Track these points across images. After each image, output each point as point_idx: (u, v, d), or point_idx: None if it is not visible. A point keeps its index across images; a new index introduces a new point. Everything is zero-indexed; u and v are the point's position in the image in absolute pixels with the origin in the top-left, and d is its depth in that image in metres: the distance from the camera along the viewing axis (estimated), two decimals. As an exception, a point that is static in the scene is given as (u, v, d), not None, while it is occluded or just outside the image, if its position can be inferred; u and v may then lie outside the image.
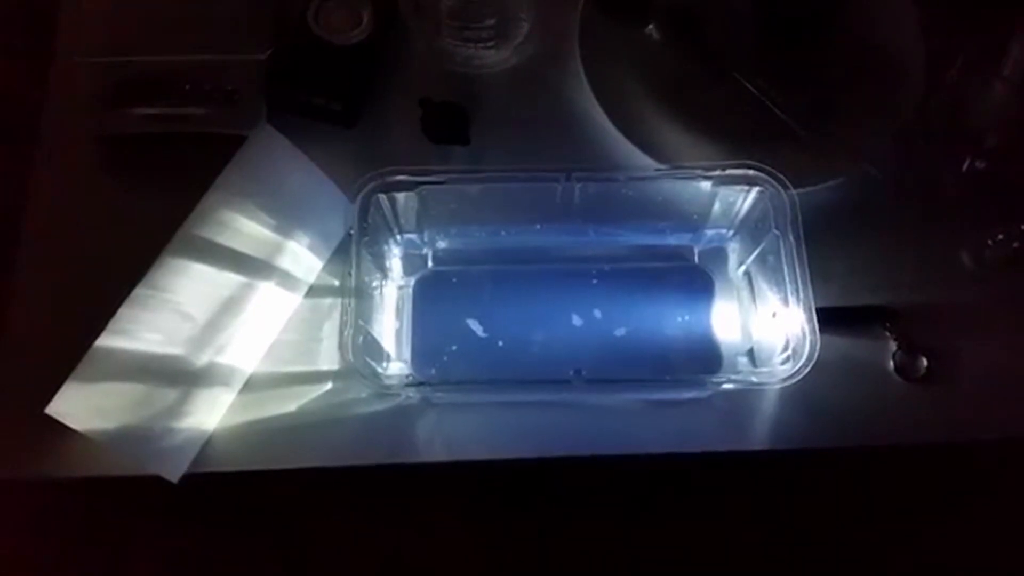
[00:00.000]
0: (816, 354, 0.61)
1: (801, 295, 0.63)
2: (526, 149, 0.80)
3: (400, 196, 0.68)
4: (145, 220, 0.70)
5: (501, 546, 1.09)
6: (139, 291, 0.66)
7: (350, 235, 0.65)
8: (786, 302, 0.64)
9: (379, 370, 0.65)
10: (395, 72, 0.83)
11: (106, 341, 0.64)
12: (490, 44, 0.81)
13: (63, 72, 0.82)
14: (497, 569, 1.09)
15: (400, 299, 0.74)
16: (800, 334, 0.62)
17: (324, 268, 0.75)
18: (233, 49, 0.79)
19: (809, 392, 0.70)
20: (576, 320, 0.73)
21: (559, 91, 0.82)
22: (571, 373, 0.67)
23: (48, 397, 0.63)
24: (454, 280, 0.75)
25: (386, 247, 0.72)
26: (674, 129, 0.79)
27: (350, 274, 0.63)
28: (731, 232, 0.74)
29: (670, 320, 0.74)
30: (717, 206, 0.71)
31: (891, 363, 0.73)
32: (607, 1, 0.83)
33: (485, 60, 0.83)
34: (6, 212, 0.77)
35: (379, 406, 0.71)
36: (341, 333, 0.62)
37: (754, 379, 0.65)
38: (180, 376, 0.67)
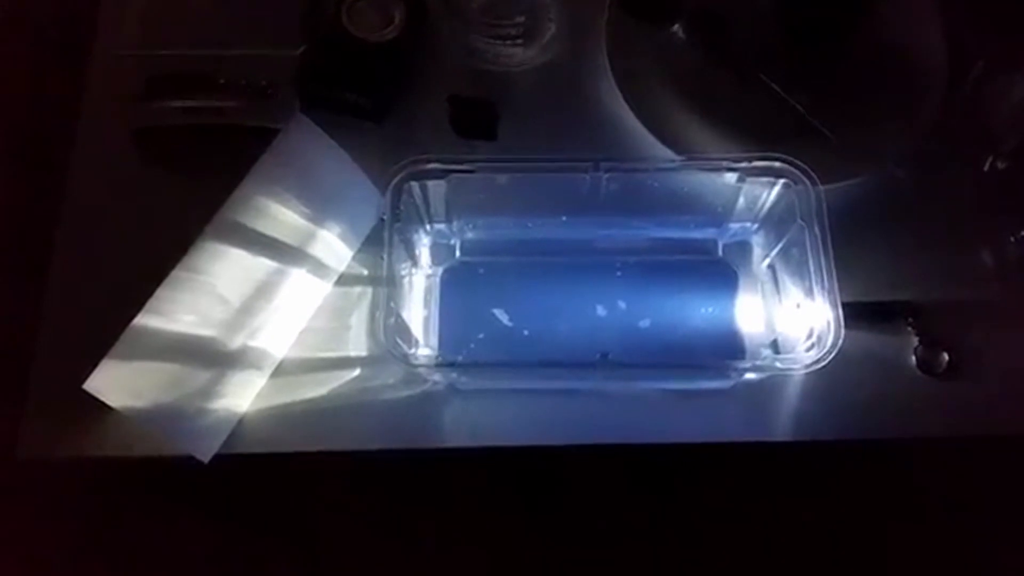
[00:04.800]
0: (840, 341, 0.62)
1: (826, 284, 0.64)
2: (552, 145, 0.82)
3: (431, 185, 0.69)
4: (180, 208, 0.71)
5: (521, 531, 1.10)
6: (177, 273, 0.67)
7: (382, 221, 0.66)
8: (810, 293, 0.65)
9: (408, 352, 0.66)
10: (425, 69, 0.84)
11: (143, 320, 0.65)
12: (518, 42, 0.83)
13: (101, 65, 0.85)
14: (516, 554, 1.10)
15: (428, 288, 0.75)
16: (825, 322, 0.63)
17: (353, 257, 0.77)
18: (267, 45, 0.81)
19: (831, 385, 0.71)
20: (601, 311, 0.74)
21: (586, 89, 0.84)
22: (597, 357, 0.68)
23: (84, 379, 0.64)
24: (481, 270, 0.76)
25: (416, 236, 0.74)
26: (699, 127, 0.80)
27: (383, 258, 0.65)
28: (755, 226, 0.75)
29: (694, 312, 0.75)
30: (742, 200, 0.72)
31: (913, 358, 0.73)
32: (633, 1, 0.84)
33: (513, 58, 0.84)
34: (47, 200, 0.79)
35: (406, 392, 0.72)
36: (372, 315, 0.63)
37: (779, 365, 0.65)
38: (214, 358, 0.69)
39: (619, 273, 0.76)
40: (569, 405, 0.72)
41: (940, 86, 0.80)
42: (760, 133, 0.78)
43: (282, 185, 0.72)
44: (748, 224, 0.75)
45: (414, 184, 0.68)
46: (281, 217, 0.72)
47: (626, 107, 0.81)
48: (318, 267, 0.74)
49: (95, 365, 0.64)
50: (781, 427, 0.72)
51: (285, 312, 0.72)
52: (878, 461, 1.05)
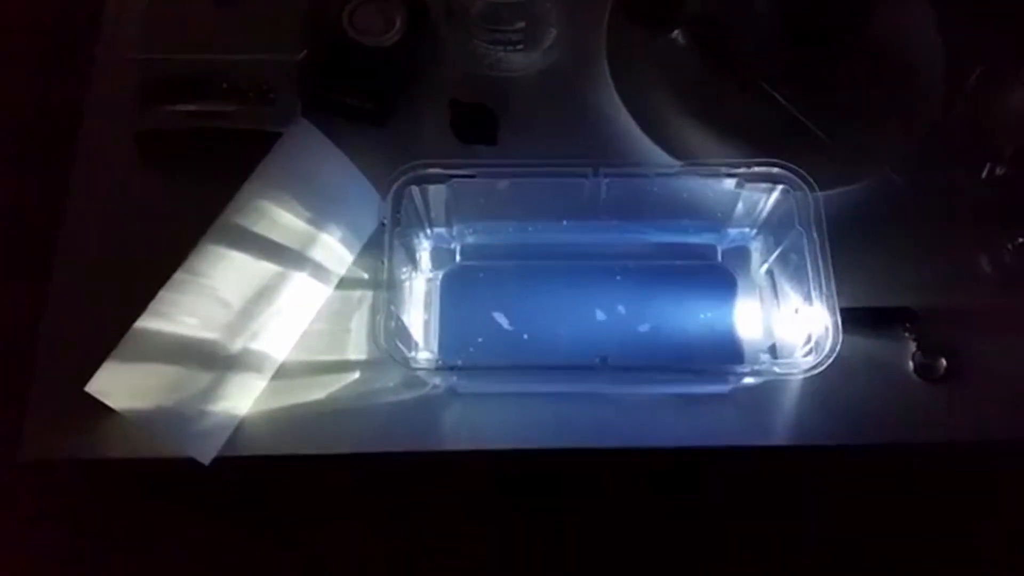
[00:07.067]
0: (839, 346, 0.62)
1: (824, 289, 0.64)
2: (552, 150, 0.82)
3: (431, 189, 0.69)
4: (182, 212, 0.72)
5: (520, 534, 1.10)
6: (179, 276, 0.68)
7: (383, 225, 0.66)
8: (808, 298, 0.65)
9: (408, 355, 0.67)
10: (426, 74, 0.85)
11: (145, 323, 0.66)
12: (519, 48, 0.83)
13: (103, 68, 0.85)
14: (516, 557, 1.10)
15: (428, 291, 0.75)
16: (823, 328, 0.63)
17: (354, 261, 0.77)
18: (269, 49, 0.81)
19: (829, 390, 0.71)
20: (600, 315, 0.75)
21: (586, 95, 0.84)
22: (597, 360, 0.68)
23: (86, 380, 0.65)
24: (481, 274, 0.77)
25: (416, 240, 0.74)
26: (699, 133, 0.81)
27: (383, 262, 0.65)
28: (754, 231, 0.75)
29: (693, 317, 0.75)
30: (740, 206, 0.73)
31: (911, 364, 0.73)
32: (634, 7, 0.85)
33: (514, 63, 0.85)
34: (49, 203, 0.79)
35: (406, 395, 0.72)
36: (373, 319, 0.64)
37: (777, 370, 0.65)
38: (215, 360, 0.69)
39: (618, 278, 0.76)
40: (568, 409, 0.72)
41: (938, 91, 0.80)
42: (759, 139, 0.78)
43: (283, 189, 0.72)
44: (747, 229, 0.75)
45: (415, 188, 0.69)
46: (282, 221, 0.72)
47: (626, 112, 0.81)
48: (319, 270, 0.74)
49: (97, 367, 0.65)
50: (779, 432, 0.72)
51: (286, 315, 0.73)
52: (875, 466, 1.05)
